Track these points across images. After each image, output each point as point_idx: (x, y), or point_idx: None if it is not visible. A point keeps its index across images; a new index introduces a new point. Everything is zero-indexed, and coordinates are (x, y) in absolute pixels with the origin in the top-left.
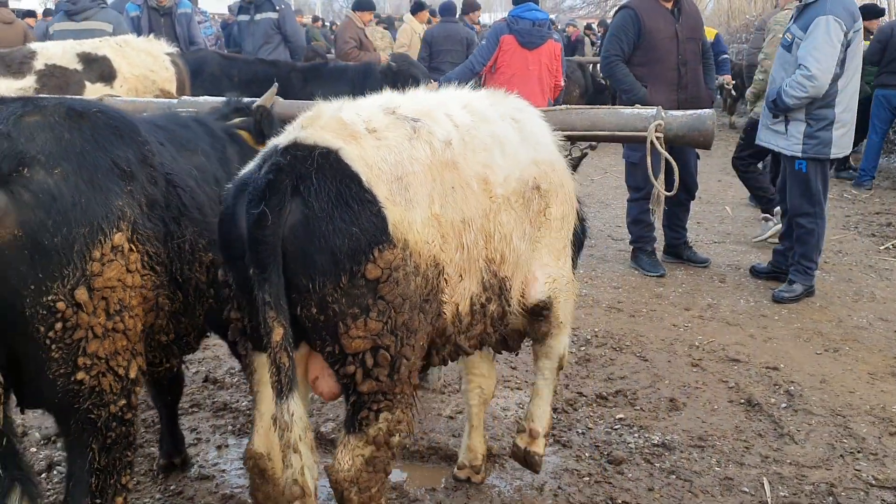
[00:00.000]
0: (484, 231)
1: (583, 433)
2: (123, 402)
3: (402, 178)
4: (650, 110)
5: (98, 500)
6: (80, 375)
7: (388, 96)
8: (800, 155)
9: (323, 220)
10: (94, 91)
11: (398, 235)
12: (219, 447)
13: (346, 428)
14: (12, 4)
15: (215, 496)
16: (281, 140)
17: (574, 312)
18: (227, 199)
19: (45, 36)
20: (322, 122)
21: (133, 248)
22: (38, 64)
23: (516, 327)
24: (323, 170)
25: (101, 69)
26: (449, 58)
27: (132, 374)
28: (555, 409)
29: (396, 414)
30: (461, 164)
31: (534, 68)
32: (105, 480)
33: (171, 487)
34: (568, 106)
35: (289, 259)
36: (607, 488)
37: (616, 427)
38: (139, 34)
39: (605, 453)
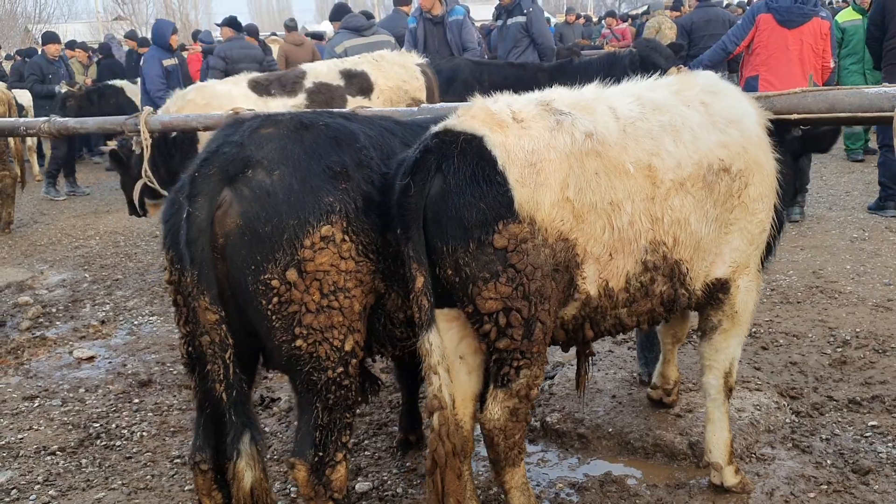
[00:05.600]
0: (648, 214)
1: (827, 439)
2: (341, 369)
3: (535, 164)
4: None
5: (321, 453)
6: (299, 343)
7: (551, 91)
8: None
9: (456, 195)
10: (354, 104)
11: (524, 213)
12: None
13: (494, 383)
14: (312, 28)
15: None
16: (436, 126)
17: (754, 313)
18: (390, 173)
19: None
20: (473, 112)
21: (347, 238)
22: (308, 83)
23: None
24: (464, 153)
25: (360, 83)
26: (711, 43)
27: (347, 347)
28: (798, 413)
29: (534, 370)
30: (613, 153)
31: (794, 48)
32: (327, 436)
33: (407, 464)
34: (804, 88)
35: (428, 224)
36: (847, 499)
37: (867, 434)
38: (416, 43)
39: (850, 462)
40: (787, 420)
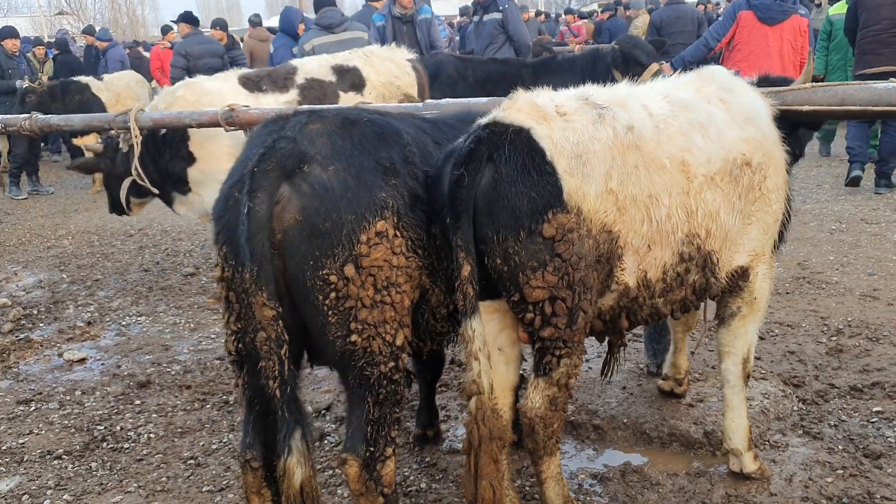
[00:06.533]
0: (684, 207)
1: (835, 425)
2: (392, 364)
3: (581, 155)
4: None
5: (372, 448)
6: (354, 338)
7: (587, 88)
8: None
9: (508, 184)
10: (347, 99)
11: (572, 203)
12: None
13: (535, 372)
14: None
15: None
16: (484, 119)
17: (768, 298)
18: (437, 164)
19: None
20: (518, 105)
21: (398, 233)
22: (300, 78)
23: None
24: (514, 143)
25: (352, 79)
26: (680, 39)
27: (398, 342)
28: (803, 401)
29: (573, 359)
30: (650, 147)
31: (774, 45)
32: (378, 431)
33: (426, 459)
34: (814, 84)
35: (479, 213)
36: (864, 482)
37: (873, 420)
38: (384, 42)
39: (861, 447)
40: (795, 408)
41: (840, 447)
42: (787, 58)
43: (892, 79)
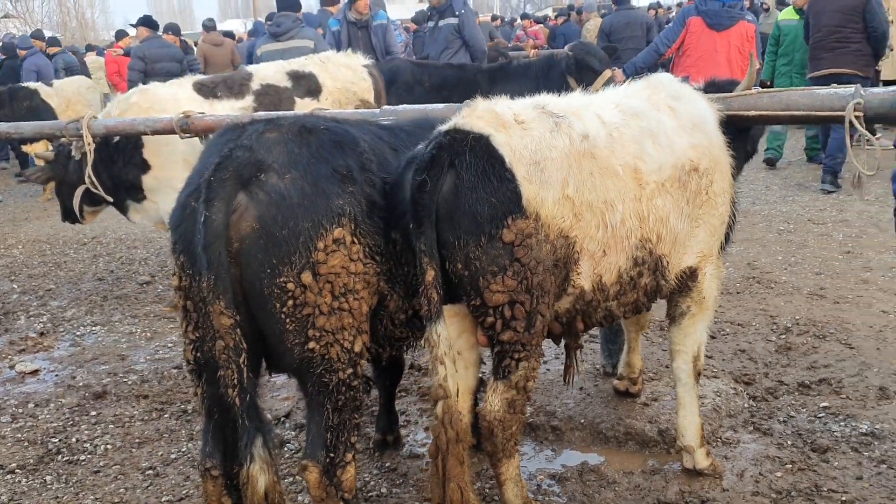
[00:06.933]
0: (636, 213)
1: (784, 421)
2: (350, 370)
3: (539, 162)
4: (848, 89)
5: (332, 454)
6: (312, 345)
7: (543, 97)
8: None
9: (469, 190)
10: (303, 105)
11: (531, 209)
12: (426, 429)
13: (494, 375)
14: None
15: (427, 473)
16: (445, 125)
17: (717, 299)
18: (397, 170)
19: (249, 56)
20: (478, 113)
21: (355, 240)
22: (255, 84)
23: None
24: (475, 150)
25: (308, 85)
26: (630, 45)
27: (357, 349)
28: (754, 398)
29: (532, 363)
30: (604, 155)
31: (722, 50)
32: (337, 437)
33: (387, 464)
34: (759, 90)
35: (440, 218)
36: (812, 476)
37: (820, 415)
38: (339, 47)
39: (809, 441)
40: (745, 405)
41: (789, 442)
42: (735, 63)
43: (833, 85)
